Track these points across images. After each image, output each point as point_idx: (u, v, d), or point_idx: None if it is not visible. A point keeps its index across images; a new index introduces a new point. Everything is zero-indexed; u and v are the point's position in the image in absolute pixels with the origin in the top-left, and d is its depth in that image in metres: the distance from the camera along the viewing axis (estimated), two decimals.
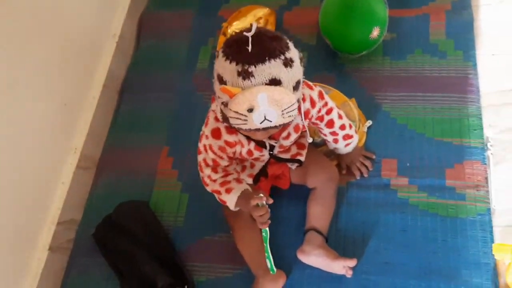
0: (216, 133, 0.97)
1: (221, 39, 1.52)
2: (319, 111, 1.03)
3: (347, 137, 1.13)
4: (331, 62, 1.45)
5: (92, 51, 1.43)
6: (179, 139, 1.40)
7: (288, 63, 0.80)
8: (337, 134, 1.12)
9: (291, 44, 0.84)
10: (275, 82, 0.80)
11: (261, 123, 0.82)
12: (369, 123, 1.30)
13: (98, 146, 1.41)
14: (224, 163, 1.03)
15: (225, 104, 0.83)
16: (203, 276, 1.18)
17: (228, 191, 1.02)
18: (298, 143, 1.11)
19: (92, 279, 1.22)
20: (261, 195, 0.94)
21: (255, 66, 0.78)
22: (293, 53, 0.83)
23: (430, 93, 1.34)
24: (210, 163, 1.03)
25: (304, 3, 1.58)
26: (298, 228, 1.17)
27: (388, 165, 1.24)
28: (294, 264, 1.13)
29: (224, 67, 0.81)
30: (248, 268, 1.13)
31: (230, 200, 1.02)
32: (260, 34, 0.80)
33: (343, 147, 1.15)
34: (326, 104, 1.05)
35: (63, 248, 1.26)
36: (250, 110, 0.80)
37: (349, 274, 1.08)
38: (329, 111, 1.07)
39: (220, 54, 0.83)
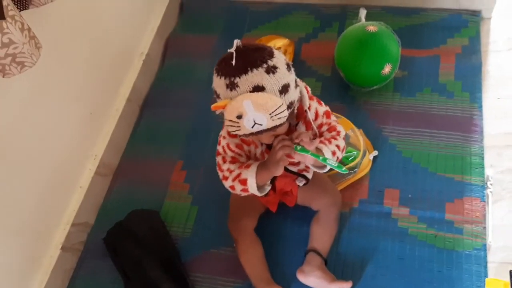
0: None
1: None
2: (320, 126, 1.09)
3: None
4: (343, 93, 1.52)
5: (120, 66, 1.53)
6: (193, 155, 1.47)
7: (270, 70, 0.88)
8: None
9: (277, 53, 0.91)
10: (258, 88, 0.87)
11: (252, 127, 0.90)
12: (375, 153, 1.35)
13: (117, 155, 1.49)
14: (242, 159, 1.08)
15: (223, 115, 0.92)
16: (205, 287, 1.22)
17: (247, 167, 1.03)
18: None
19: (99, 281, 1.28)
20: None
21: (239, 77, 0.87)
22: (277, 60, 0.90)
23: (436, 130, 1.40)
24: (229, 160, 1.07)
25: (322, 37, 1.67)
26: (300, 248, 1.22)
27: (390, 195, 1.30)
28: (293, 282, 1.18)
29: (217, 82, 0.91)
30: (248, 282, 1.18)
31: (251, 174, 1.01)
32: (244, 49, 0.89)
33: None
34: (329, 123, 1.10)
35: (74, 249, 1.32)
36: (240, 117, 0.88)
37: None
38: (331, 129, 1.10)
39: (214, 72, 0.93)
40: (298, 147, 0.97)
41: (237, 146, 1.06)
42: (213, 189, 1.34)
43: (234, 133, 0.92)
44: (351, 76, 1.47)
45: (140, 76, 1.58)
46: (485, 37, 1.59)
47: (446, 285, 1.14)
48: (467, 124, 1.40)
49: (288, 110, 0.91)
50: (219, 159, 1.10)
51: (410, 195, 1.29)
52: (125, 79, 1.54)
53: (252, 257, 1.17)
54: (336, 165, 0.99)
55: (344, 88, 1.53)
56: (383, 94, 1.50)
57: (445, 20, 1.63)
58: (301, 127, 1.06)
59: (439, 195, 1.28)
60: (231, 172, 1.07)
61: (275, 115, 0.88)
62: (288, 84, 0.91)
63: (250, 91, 0.87)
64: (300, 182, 1.18)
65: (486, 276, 1.14)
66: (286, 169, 1.15)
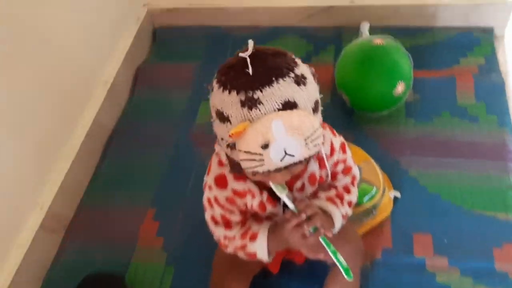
0: (221, 181, 0.78)
1: None
2: (336, 164, 0.85)
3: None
4: (347, 121, 1.29)
5: (79, 95, 1.26)
6: (168, 201, 1.18)
7: (300, 80, 0.64)
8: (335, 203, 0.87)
9: (298, 60, 0.68)
10: (289, 105, 0.63)
11: (281, 160, 0.63)
12: (397, 193, 1.10)
13: (71, 204, 1.19)
14: (235, 218, 0.82)
15: (232, 146, 0.66)
16: None
17: (253, 238, 0.81)
18: None
19: None
20: (293, 208, 0.77)
21: (261, 91, 0.62)
22: (303, 68, 0.67)
23: (463, 159, 1.17)
24: (220, 220, 0.82)
25: (316, 61, 1.46)
26: None
27: (421, 241, 1.03)
28: None
29: (223, 99, 0.64)
30: None
31: (260, 247, 0.81)
32: (259, 53, 0.65)
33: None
34: (345, 160, 0.87)
35: None
36: (265, 146, 0.62)
37: None
38: (346, 170, 0.88)
39: (215, 86, 0.66)
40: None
41: (228, 200, 0.80)
42: (194, 244, 1.08)
43: (254, 170, 0.66)
44: (357, 99, 1.24)
45: (104, 109, 1.32)
46: (501, 55, 1.40)
47: None
48: (499, 151, 1.17)
49: None
50: (207, 217, 0.84)
51: (445, 241, 1.03)
52: (84, 111, 1.27)
53: None
54: (345, 267, 0.78)
55: (347, 115, 1.29)
56: (394, 121, 1.27)
57: (454, 39, 1.45)
58: (313, 165, 0.81)
59: (482, 239, 1.02)
60: (230, 240, 0.83)
61: (311, 141, 0.64)
62: (318, 100, 0.68)
63: (279, 109, 0.62)
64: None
65: None
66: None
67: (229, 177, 0.78)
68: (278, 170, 0.66)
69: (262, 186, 0.79)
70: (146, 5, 1.57)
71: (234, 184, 0.78)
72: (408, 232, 1.05)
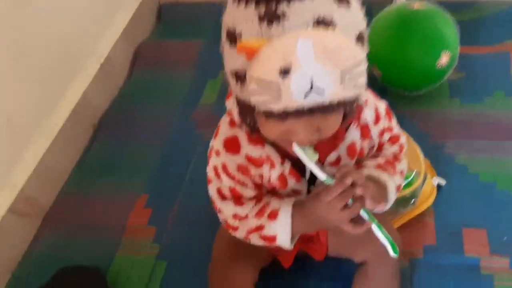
0: (232, 144, 0.61)
1: None
2: (381, 133, 0.67)
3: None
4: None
5: (66, 67, 1.10)
6: (164, 186, 1.01)
7: (342, 0, 0.48)
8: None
9: None
10: (324, 23, 0.46)
11: (305, 96, 0.45)
12: (442, 180, 0.90)
13: (51, 189, 1.02)
14: (248, 193, 0.64)
15: (242, 78, 0.49)
16: None
17: (273, 216, 0.63)
18: None
19: None
20: (325, 178, 0.58)
21: (288, 2, 0.46)
22: None
23: None
24: (228, 194, 0.65)
25: None
26: None
27: (473, 238, 0.84)
28: None
29: (237, 14, 0.49)
30: None
31: (282, 227, 0.63)
32: None
33: None
34: (391, 128, 0.69)
35: None
36: (285, 73, 0.45)
37: None
38: (394, 139, 0.70)
39: (229, 1, 0.50)
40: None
41: (239, 168, 0.62)
42: (192, 235, 0.90)
43: (266, 108, 0.48)
44: (391, 74, 1.05)
45: (95, 86, 1.16)
46: None
47: None
48: None
49: None
50: (212, 190, 0.66)
51: (505, 238, 0.82)
52: (71, 85, 1.11)
53: None
54: (392, 242, 0.60)
55: (379, 93, 1.08)
56: (435, 101, 1.09)
57: (505, 13, 1.28)
58: (354, 133, 0.63)
59: None
60: (241, 219, 0.65)
61: (350, 78, 0.46)
62: (363, 33, 0.51)
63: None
64: None
65: None
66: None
67: (243, 140, 0.61)
68: (299, 114, 0.47)
69: (285, 154, 0.61)
70: None
71: (248, 149, 0.60)
72: (456, 226, 0.85)
